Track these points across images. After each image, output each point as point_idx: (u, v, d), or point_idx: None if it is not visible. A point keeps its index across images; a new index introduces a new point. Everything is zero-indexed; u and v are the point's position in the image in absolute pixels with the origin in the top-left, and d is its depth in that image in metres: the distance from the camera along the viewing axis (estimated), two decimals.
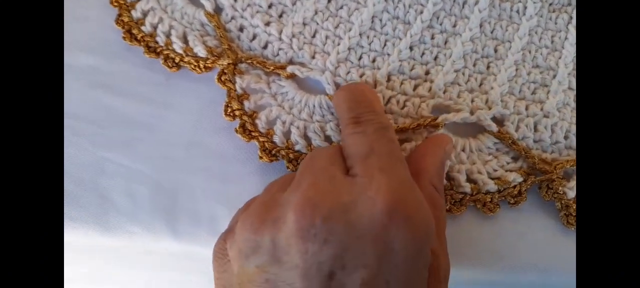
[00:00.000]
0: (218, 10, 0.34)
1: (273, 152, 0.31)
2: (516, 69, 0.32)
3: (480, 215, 0.30)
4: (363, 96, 0.27)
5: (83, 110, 0.33)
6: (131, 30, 0.33)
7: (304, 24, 0.33)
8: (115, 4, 0.34)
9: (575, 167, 0.30)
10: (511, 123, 0.31)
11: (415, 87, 0.32)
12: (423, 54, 0.33)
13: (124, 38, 0.33)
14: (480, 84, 0.32)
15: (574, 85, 0.32)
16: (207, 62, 0.32)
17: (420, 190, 0.24)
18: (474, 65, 0.32)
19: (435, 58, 0.32)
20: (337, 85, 0.32)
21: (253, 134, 0.31)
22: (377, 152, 0.24)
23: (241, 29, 0.33)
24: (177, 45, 0.32)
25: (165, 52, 0.33)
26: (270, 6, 0.33)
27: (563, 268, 0.29)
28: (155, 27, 0.33)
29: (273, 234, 0.22)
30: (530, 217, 0.30)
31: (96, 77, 0.33)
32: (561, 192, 0.30)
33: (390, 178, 0.23)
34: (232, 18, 0.33)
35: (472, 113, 0.31)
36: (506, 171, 0.30)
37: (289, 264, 0.22)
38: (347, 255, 0.21)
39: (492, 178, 0.30)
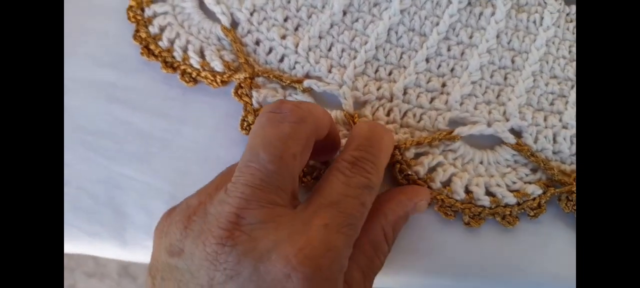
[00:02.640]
0: (234, 24, 0.33)
1: None
2: (534, 80, 0.31)
3: (500, 228, 0.29)
4: (377, 143, 0.24)
5: (99, 125, 0.32)
6: (149, 45, 0.32)
7: (320, 38, 0.32)
8: (133, 19, 0.33)
9: None
10: (529, 135, 0.30)
11: (432, 100, 0.31)
12: (439, 66, 0.31)
13: (141, 54, 0.32)
14: (498, 96, 0.31)
15: None
16: (224, 76, 0.31)
17: (369, 229, 0.23)
18: (491, 76, 0.31)
19: (452, 70, 0.31)
20: (355, 100, 0.30)
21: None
22: (341, 208, 0.21)
23: (257, 43, 0.32)
24: (194, 60, 0.31)
25: (183, 67, 0.31)
26: (286, 19, 0.32)
27: None
28: (172, 42, 0.32)
29: (193, 247, 0.21)
30: (550, 228, 0.29)
31: (113, 91, 0.33)
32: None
33: (324, 240, 0.20)
34: (249, 32, 0.32)
35: (489, 125, 0.30)
36: (525, 183, 0.29)
37: (196, 280, 0.21)
38: None
39: (511, 191, 0.29)
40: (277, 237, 0.20)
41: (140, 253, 0.31)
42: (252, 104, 0.30)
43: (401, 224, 0.25)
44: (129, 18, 0.33)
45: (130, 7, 0.33)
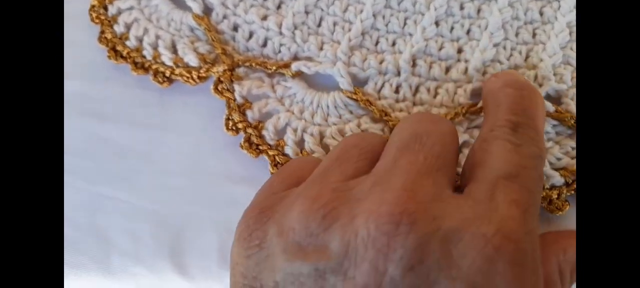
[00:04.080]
0: (207, 11, 0.28)
1: None
2: (570, 33, 0.25)
3: (546, 215, 0.23)
4: (532, 105, 0.20)
5: (74, 144, 0.27)
6: (115, 47, 0.27)
7: (307, 12, 0.27)
8: (96, 20, 0.28)
9: None
10: (570, 99, 0.24)
11: (448, 70, 0.25)
12: (452, 28, 0.26)
13: (108, 57, 0.28)
14: (527, 57, 0.25)
15: None
16: (201, 71, 0.26)
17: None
18: (517, 35, 0.25)
19: (468, 32, 0.25)
20: (353, 77, 0.25)
21: (261, 147, 0.25)
22: (521, 182, 0.17)
23: (235, 28, 0.27)
24: (166, 57, 0.27)
25: (154, 66, 0.27)
26: None
27: None
28: (140, 40, 0.28)
29: (346, 238, 0.16)
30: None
31: (85, 104, 0.28)
32: None
33: (519, 221, 0.16)
34: (224, 17, 0.27)
35: None
36: (573, 158, 0.23)
37: (352, 281, 0.15)
38: None
39: (557, 169, 0.23)
40: (462, 214, 0.16)
41: (128, 282, 0.27)
42: (235, 99, 0.25)
43: (574, 271, 0.20)
44: (91, 19, 0.28)
45: (92, 7, 0.28)
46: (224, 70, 0.26)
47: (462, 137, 0.24)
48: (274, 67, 0.26)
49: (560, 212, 0.23)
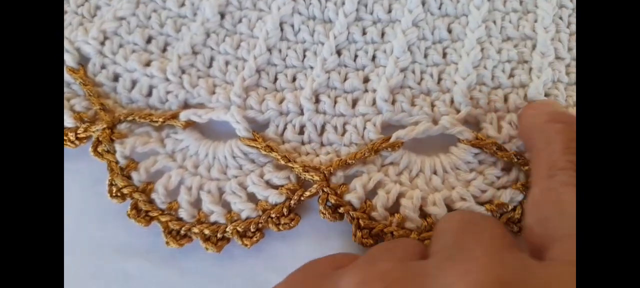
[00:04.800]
0: (84, 61, 0.24)
1: (182, 232, 0.21)
2: (482, 49, 0.22)
3: None
4: (573, 137, 0.17)
5: None
6: None
7: (195, 53, 0.23)
8: None
9: None
10: (490, 123, 0.21)
11: (354, 103, 0.22)
12: (356, 56, 0.23)
13: None
14: (439, 80, 0.22)
15: (562, 53, 0.22)
16: (79, 132, 0.22)
17: None
18: (426, 56, 0.23)
19: (373, 58, 0.23)
20: (252, 121, 0.22)
21: (151, 214, 0.21)
22: None
23: (116, 78, 0.23)
24: None
25: None
26: (149, 41, 0.24)
27: None
28: None
29: None
30: None
31: None
32: None
33: None
34: (103, 67, 0.23)
35: (435, 122, 0.21)
36: (498, 189, 0.20)
37: None
38: None
39: (482, 203, 0.20)
40: (562, 280, 0.14)
41: None
42: (117, 162, 0.22)
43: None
44: None
45: None
46: (103, 129, 0.22)
47: (375, 178, 0.21)
48: (161, 119, 0.22)
49: None
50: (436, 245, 0.16)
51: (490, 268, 0.14)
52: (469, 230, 0.16)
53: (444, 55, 0.23)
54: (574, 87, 0.22)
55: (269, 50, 0.23)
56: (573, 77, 0.22)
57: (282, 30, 0.23)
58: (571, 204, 0.15)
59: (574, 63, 0.22)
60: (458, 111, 0.22)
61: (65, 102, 0.23)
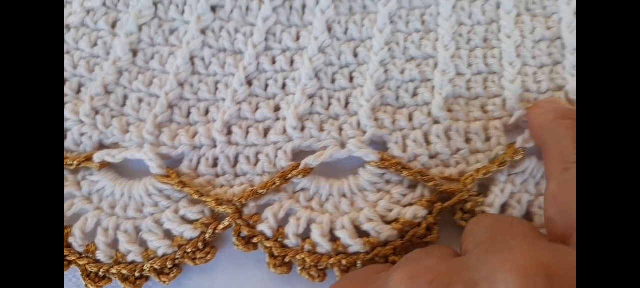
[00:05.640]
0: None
1: (101, 273, 0.21)
2: (385, 71, 0.23)
3: None
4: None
5: None
6: None
7: (108, 92, 0.23)
8: None
9: (489, 175, 0.21)
10: (395, 143, 0.22)
11: (266, 133, 0.22)
12: (267, 86, 0.23)
13: None
14: (346, 104, 0.23)
15: (462, 69, 0.23)
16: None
17: None
18: (333, 81, 0.23)
19: (284, 87, 0.23)
20: (165, 157, 0.22)
21: (69, 258, 0.21)
22: None
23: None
24: None
25: None
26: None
27: None
28: None
29: None
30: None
31: None
32: (480, 211, 0.21)
33: None
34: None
35: (342, 146, 0.22)
36: (404, 207, 0.21)
37: None
38: None
39: (388, 222, 0.21)
40: None
41: None
42: None
43: None
44: None
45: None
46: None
47: (286, 206, 0.21)
48: (76, 162, 0.22)
49: None
50: (469, 243, 0.17)
51: (529, 253, 0.14)
52: (500, 227, 0.17)
53: (351, 79, 0.23)
54: (475, 101, 0.23)
55: (181, 85, 0.23)
56: (474, 91, 0.23)
57: (193, 64, 0.24)
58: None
59: (474, 77, 0.23)
60: (365, 133, 0.22)
61: None
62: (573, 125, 0.19)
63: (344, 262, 0.20)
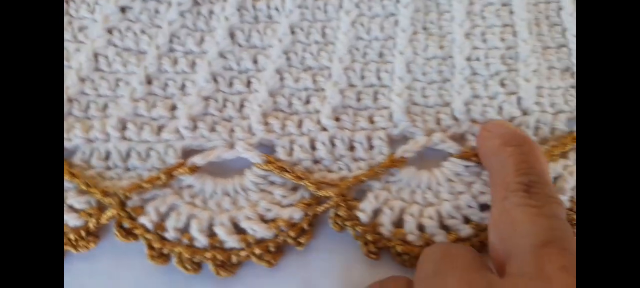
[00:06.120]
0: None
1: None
2: (281, 79, 0.24)
3: (259, 270, 0.21)
4: (536, 160, 0.19)
5: None
6: None
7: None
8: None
9: (365, 181, 0.22)
10: (282, 147, 0.23)
11: (160, 130, 0.23)
12: (166, 85, 0.24)
13: None
14: (241, 108, 0.24)
15: (354, 81, 0.24)
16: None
17: None
18: (231, 85, 0.24)
19: (183, 87, 0.24)
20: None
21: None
22: (559, 244, 0.17)
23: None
24: None
25: None
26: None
27: None
28: None
29: None
30: (337, 253, 0.22)
31: None
32: (354, 216, 0.21)
33: (574, 284, 0.16)
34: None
35: (231, 147, 0.22)
36: (283, 207, 0.22)
37: None
38: None
39: (266, 221, 0.21)
40: None
41: None
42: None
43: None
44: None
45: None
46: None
47: (170, 201, 0.22)
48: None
49: (270, 265, 0.21)
50: (418, 274, 0.18)
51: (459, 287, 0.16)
52: (445, 259, 0.18)
53: (248, 84, 0.24)
54: (364, 112, 0.24)
55: (82, 80, 0.24)
56: (363, 102, 0.24)
57: (96, 61, 0.24)
58: (522, 223, 0.17)
59: (366, 90, 0.24)
60: (253, 135, 0.23)
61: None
62: (515, 152, 0.19)
63: (219, 256, 0.21)
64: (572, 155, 0.23)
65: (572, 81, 0.25)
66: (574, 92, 0.24)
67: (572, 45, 0.25)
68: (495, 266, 0.18)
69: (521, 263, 0.17)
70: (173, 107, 0.24)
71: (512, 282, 0.16)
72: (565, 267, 0.16)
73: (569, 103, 0.24)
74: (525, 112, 0.24)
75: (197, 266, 0.21)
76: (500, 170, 0.20)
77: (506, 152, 0.20)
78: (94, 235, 0.22)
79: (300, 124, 0.23)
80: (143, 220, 0.21)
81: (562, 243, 0.17)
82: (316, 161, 0.23)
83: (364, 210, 0.22)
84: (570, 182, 0.22)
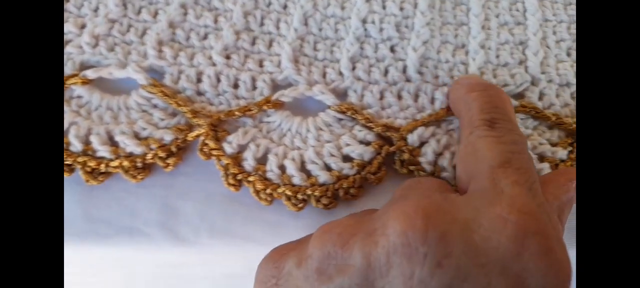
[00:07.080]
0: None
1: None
2: (184, 13, 0.25)
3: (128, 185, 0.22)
4: (500, 101, 0.21)
5: None
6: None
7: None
8: None
9: (240, 117, 0.23)
10: (170, 74, 0.24)
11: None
12: (82, 5, 0.25)
13: None
14: (143, 34, 0.25)
15: (253, 25, 0.25)
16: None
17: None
18: (139, 13, 0.25)
19: (96, 10, 0.25)
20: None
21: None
22: (515, 164, 0.18)
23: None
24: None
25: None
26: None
27: None
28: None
29: (367, 249, 0.16)
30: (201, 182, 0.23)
31: None
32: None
33: (527, 197, 0.17)
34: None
35: (122, 66, 0.24)
36: (159, 129, 0.23)
37: None
38: (465, 286, 0.15)
39: (139, 139, 0.23)
40: (473, 205, 0.17)
41: None
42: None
43: (566, 213, 0.20)
44: None
45: None
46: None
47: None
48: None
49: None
50: (391, 199, 0.19)
51: (416, 201, 0.16)
52: (411, 186, 0.19)
53: (156, 15, 0.25)
54: (256, 55, 0.25)
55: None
56: (257, 47, 0.25)
57: None
58: (482, 149, 0.19)
59: (263, 36, 0.25)
60: (147, 59, 0.24)
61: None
62: (480, 96, 0.21)
63: (90, 163, 0.22)
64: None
65: (465, 58, 0.25)
66: (462, 67, 0.24)
67: (473, 24, 0.25)
68: (461, 193, 0.19)
69: (477, 182, 0.18)
70: (83, 26, 0.25)
71: (466, 196, 0.18)
72: (517, 182, 0.17)
73: (453, 78, 0.24)
74: (408, 80, 0.24)
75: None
76: (467, 112, 0.21)
77: (472, 96, 0.21)
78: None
79: (192, 57, 0.24)
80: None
81: (519, 164, 0.18)
82: (200, 93, 0.24)
83: (231, 142, 0.22)
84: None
